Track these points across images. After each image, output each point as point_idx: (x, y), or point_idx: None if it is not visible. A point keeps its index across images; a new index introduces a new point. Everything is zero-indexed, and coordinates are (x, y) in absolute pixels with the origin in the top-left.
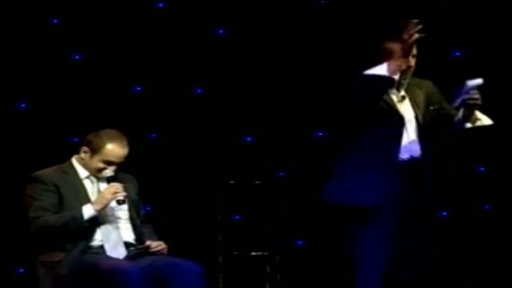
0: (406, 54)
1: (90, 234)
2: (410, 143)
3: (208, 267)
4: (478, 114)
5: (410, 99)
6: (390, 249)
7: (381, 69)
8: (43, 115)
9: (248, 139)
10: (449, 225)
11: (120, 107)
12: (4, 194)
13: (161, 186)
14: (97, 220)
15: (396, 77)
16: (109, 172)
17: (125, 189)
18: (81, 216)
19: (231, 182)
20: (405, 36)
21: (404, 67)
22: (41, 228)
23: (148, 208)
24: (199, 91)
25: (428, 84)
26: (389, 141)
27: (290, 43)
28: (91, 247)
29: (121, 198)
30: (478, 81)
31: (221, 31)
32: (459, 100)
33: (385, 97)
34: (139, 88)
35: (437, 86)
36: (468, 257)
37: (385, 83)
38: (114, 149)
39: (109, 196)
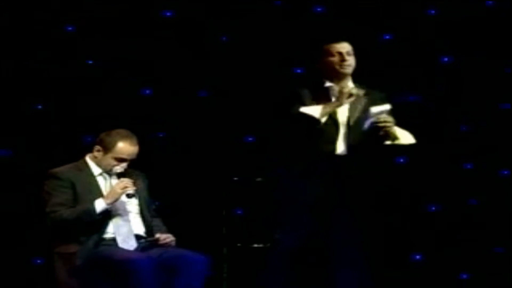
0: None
1: (103, 227)
2: (339, 143)
3: (214, 258)
4: (398, 133)
5: (349, 104)
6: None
7: (315, 110)
8: (59, 116)
9: (250, 139)
10: (439, 219)
11: (130, 108)
12: (23, 190)
13: (170, 182)
14: (109, 214)
15: (332, 84)
16: (119, 168)
17: (135, 185)
18: (94, 209)
19: (235, 178)
20: (341, 91)
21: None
22: (57, 221)
23: (157, 203)
24: (204, 94)
25: (378, 95)
26: (324, 142)
27: (288, 49)
28: (103, 239)
29: (131, 192)
30: (384, 107)
31: (224, 38)
32: (366, 125)
33: (323, 102)
34: (148, 91)
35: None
36: (457, 249)
37: (312, 123)
38: (125, 147)
39: (119, 190)
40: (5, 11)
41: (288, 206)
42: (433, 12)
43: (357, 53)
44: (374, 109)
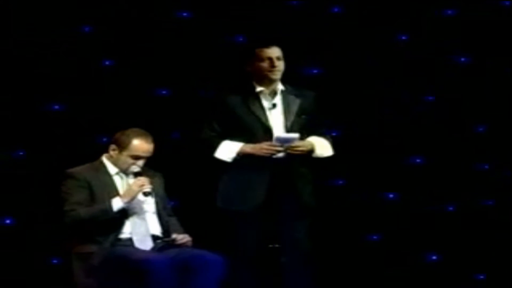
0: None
1: (120, 227)
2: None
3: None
4: (317, 149)
5: (283, 106)
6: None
7: (231, 150)
8: (75, 117)
9: None
10: (455, 219)
11: (147, 109)
12: (41, 190)
13: (186, 182)
14: (126, 214)
15: (262, 88)
16: (136, 167)
17: (152, 184)
18: (111, 208)
19: None
20: (261, 152)
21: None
22: (74, 220)
23: (173, 203)
24: None
25: (308, 94)
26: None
27: (304, 49)
28: (120, 240)
29: (148, 190)
30: (292, 136)
31: (240, 38)
32: (276, 150)
33: (254, 107)
34: (164, 92)
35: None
36: (473, 249)
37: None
38: (140, 144)
39: (136, 188)
40: (22, 11)
41: (232, 213)
42: (449, 12)
43: (373, 53)
44: (281, 135)
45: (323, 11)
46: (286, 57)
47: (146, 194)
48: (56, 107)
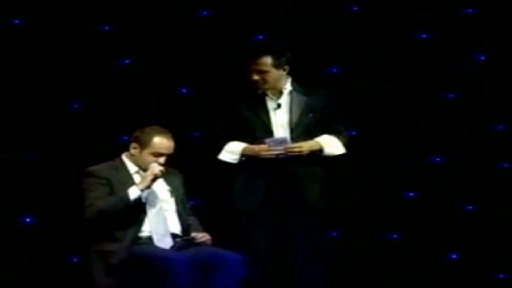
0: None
1: (139, 226)
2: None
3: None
4: (325, 147)
5: (289, 106)
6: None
7: (237, 149)
8: (95, 116)
9: None
10: (475, 218)
11: (167, 108)
12: (61, 188)
13: (206, 181)
14: (146, 212)
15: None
16: (157, 166)
17: (166, 170)
18: (127, 196)
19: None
20: (260, 154)
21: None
22: (94, 213)
23: (193, 202)
24: None
25: (319, 92)
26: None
27: (324, 48)
28: (140, 238)
29: (158, 172)
30: (281, 138)
31: (260, 37)
32: (275, 153)
33: (258, 108)
34: (184, 90)
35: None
36: (493, 248)
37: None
38: (161, 140)
39: (148, 173)
40: (41, 11)
41: (239, 212)
42: (469, 11)
43: (392, 52)
44: (272, 139)
45: (342, 10)
46: (305, 56)
47: (157, 176)
48: (76, 106)
